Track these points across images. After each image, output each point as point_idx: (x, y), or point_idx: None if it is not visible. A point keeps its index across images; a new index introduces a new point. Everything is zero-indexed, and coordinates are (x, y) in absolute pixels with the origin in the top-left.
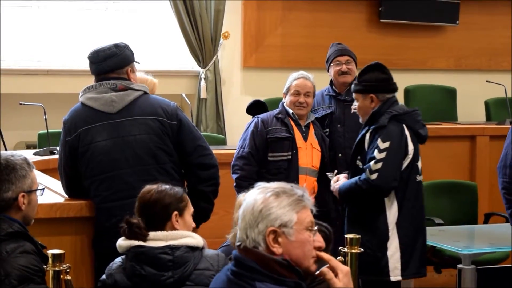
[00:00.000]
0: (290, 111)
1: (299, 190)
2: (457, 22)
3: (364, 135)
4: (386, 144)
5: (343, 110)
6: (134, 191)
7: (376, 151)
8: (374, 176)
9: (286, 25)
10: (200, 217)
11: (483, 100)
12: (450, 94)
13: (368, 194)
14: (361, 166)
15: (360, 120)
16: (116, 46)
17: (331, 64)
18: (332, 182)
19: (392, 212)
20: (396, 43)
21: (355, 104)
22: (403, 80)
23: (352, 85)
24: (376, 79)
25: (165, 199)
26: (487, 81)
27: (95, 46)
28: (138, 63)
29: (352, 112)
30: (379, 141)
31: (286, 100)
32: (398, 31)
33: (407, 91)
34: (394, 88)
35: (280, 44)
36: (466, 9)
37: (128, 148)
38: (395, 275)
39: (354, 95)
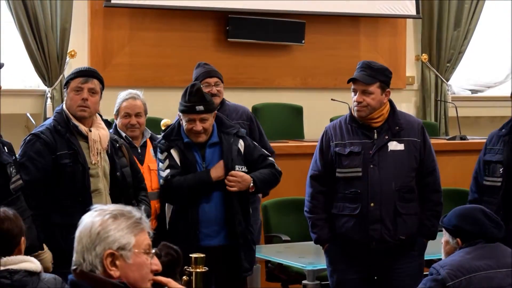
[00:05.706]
0: (123, 134)
1: (137, 213)
2: (303, 41)
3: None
4: None
5: None
6: None
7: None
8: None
9: (134, 44)
10: None
11: (328, 118)
12: (296, 112)
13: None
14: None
15: None
16: None
17: None
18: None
19: None
20: (244, 62)
21: None
22: (251, 99)
23: None
24: None
25: (16, 227)
26: (332, 99)
27: None
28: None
29: None
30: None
31: (118, 123)
32: (245, 50)
33: (255, 110)
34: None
35: (127, 63)
36: (311, 29)
37: None
38: None
39: None
